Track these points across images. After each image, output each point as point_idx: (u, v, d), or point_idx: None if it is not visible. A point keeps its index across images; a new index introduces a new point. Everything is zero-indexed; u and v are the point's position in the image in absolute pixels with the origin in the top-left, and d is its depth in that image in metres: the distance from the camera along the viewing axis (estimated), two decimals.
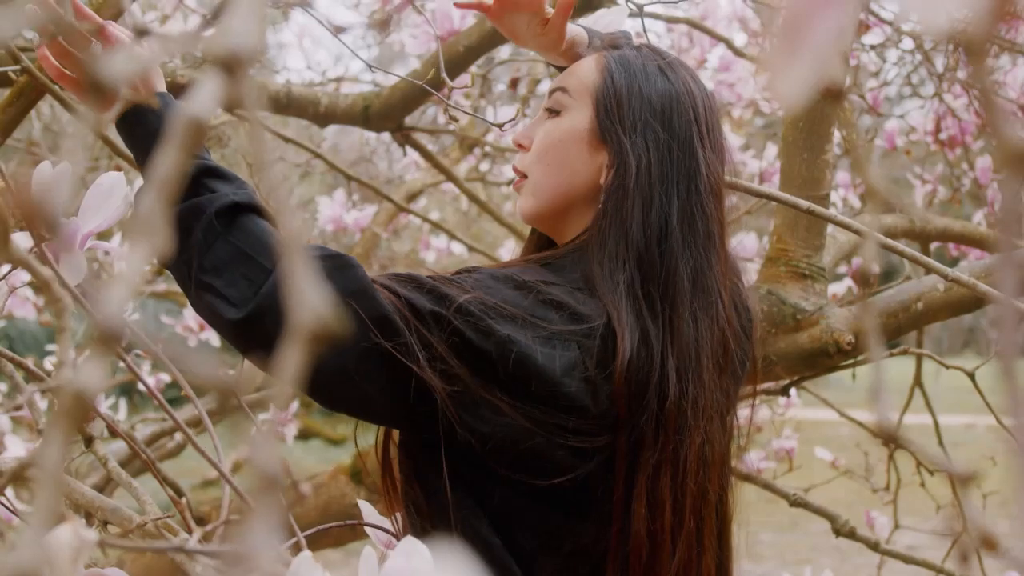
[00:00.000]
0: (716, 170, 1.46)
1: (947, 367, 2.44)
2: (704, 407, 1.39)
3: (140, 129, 1.43)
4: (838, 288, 3.95)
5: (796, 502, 2.43)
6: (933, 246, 3.31)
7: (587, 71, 1.51)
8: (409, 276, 1.33)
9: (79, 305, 1.02)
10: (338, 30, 1.59)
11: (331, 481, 3.22)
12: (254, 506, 0.35)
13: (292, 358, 0.36)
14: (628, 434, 1.33)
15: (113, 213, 1.39)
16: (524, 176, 1.53)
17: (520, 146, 1.55)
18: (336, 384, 1.28)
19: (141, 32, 0.61)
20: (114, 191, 1.39)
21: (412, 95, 2.97)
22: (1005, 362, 0.35)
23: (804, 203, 1.58)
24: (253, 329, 1.26)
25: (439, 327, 1.28)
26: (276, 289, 1.25)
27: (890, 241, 1.47)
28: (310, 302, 0.36)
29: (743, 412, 1.69)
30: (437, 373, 1.27)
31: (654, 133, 1.45)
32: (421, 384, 1.27)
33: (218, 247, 1.30)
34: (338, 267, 1.27)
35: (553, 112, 1.52)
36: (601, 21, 1.77)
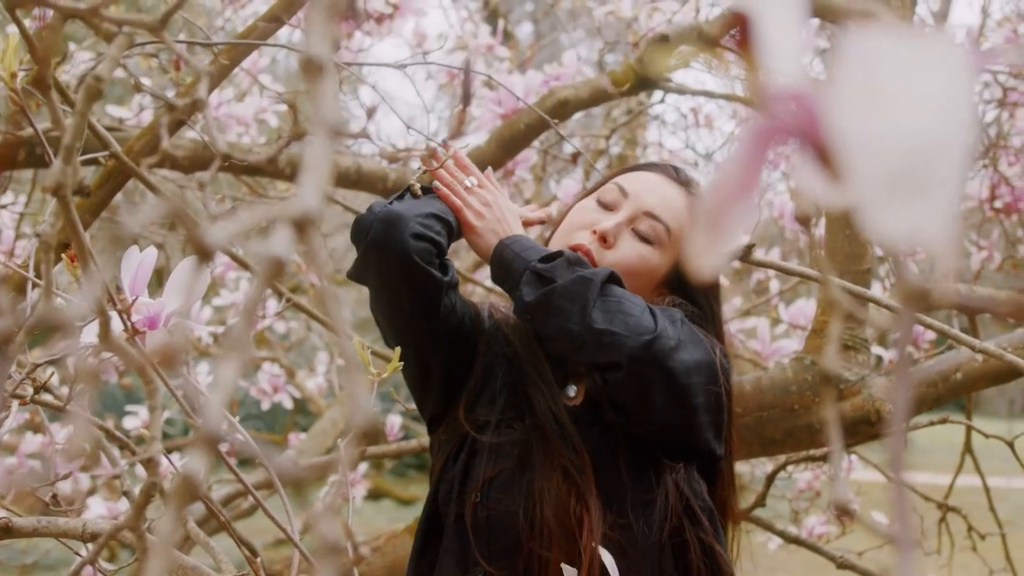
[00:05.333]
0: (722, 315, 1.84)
1: (987, 436, 2.51)
2: None
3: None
4: (892, 354, 4.00)
5: (843, 564, 2.50)
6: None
7: (681, 215, 1.77)
8: None
9: (167, 387, 1.14)
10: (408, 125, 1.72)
11: (392, 541, 3.33)
12: (319, 569, 0.46)
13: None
14: None
15: (195, 294, 1.52)
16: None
17: (604, 239, 1.71)
18: None
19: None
20: (196, 274, 1.51)
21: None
22: None
23: (837, 280, 1.67)
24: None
25: None
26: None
27: (876, 296, 1.56)
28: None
29: (803, 477, 1.90)
30: None
31: (705, 295, 1.78)
32: None
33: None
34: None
35: (645, 238, 1.74)
36: None
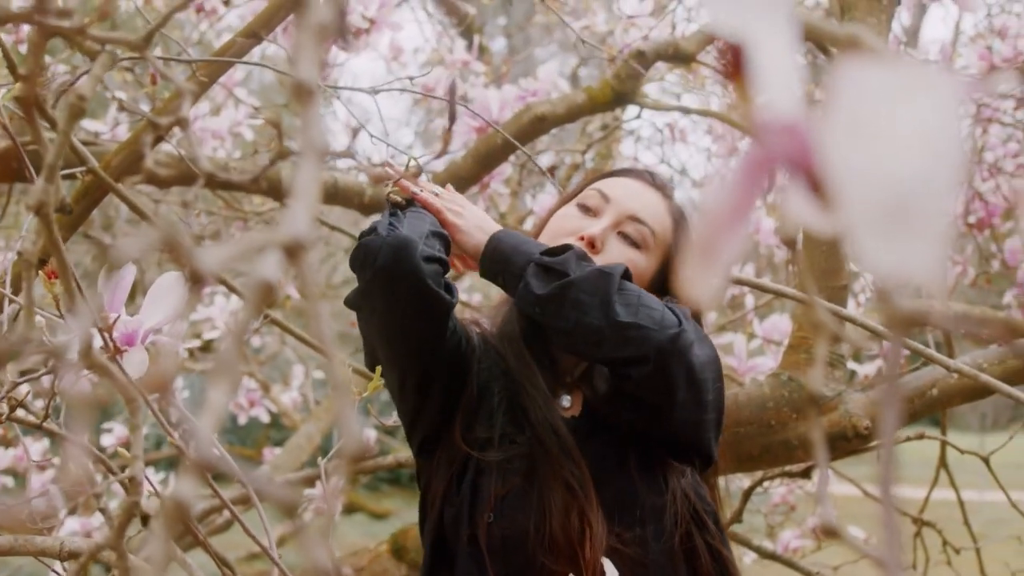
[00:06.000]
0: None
1: (962, 452, 2.53)
2: None
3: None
4: (869, 369, 4.02)
5: None
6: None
7: (664, 221, 1.78)
8: None
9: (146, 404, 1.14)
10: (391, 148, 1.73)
11: (374, 561, 3.31)
12: None
13: None
14: None
15: (173, 311, 1.51)
16: None
17: (592, 244, 1.71)
18: None
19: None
20: (173, 290, 1.50)
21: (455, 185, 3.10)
22: None
23: (823, 303, 1.69)
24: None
25: None
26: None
27: (862, 319, 1.57)
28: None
29: (777, 491, 1.91)
30: None
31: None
32: None
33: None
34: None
35: (632, 242, 1.75)
36: None
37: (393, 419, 1.88)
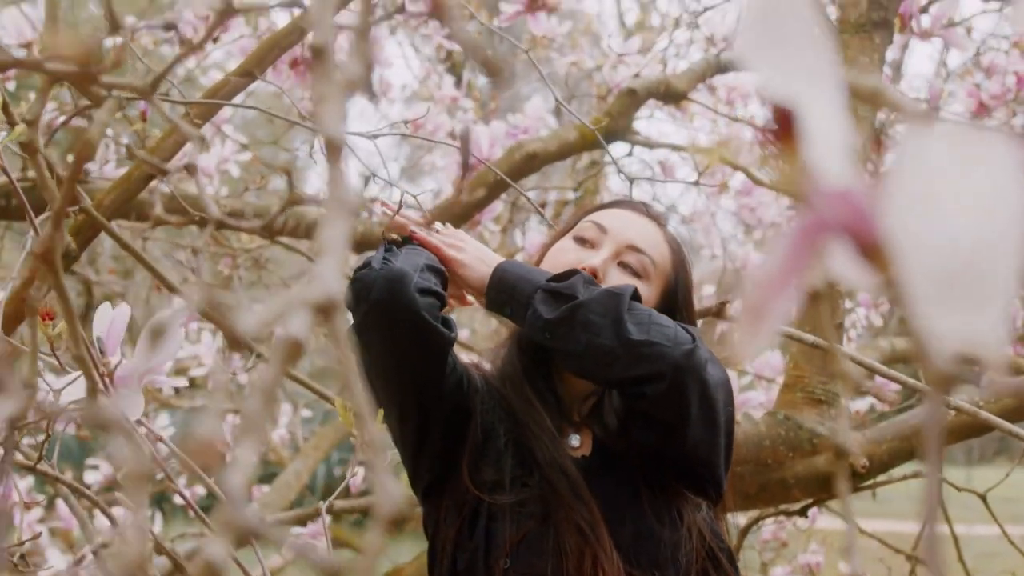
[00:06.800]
0: None
1: (959, 489, 2.52)
2: None
3: None
4: (861, 404, 4.02)
5: None
6: None
7: (662, 250, 1.77)
8: None
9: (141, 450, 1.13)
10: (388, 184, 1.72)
11: None
12: None
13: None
14: None
15: (168, 352, 1.50)
16: None
17: (594, 275, 1.69)
18: None
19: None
20: (169, 331, 1.49)
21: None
22: None
23: (809, 337, 1.69)
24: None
25: None
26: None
27: (884, 368, 1.57)
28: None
29: (768, 528, 1.86)
30: None
31: (689, 320, 1.77)
32: None
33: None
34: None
35: (635, 272, 1.74)
36: None
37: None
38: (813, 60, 0.39)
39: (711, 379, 1.53)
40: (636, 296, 1.59)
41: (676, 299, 1.75)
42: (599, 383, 1.70)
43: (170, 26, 0.74)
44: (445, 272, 1.67)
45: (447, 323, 1.63)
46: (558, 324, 1.56)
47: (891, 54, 5.11)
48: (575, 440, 1.71)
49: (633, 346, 1.51)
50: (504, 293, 1.65)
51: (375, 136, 1.95)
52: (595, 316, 1.53)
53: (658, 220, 1.82)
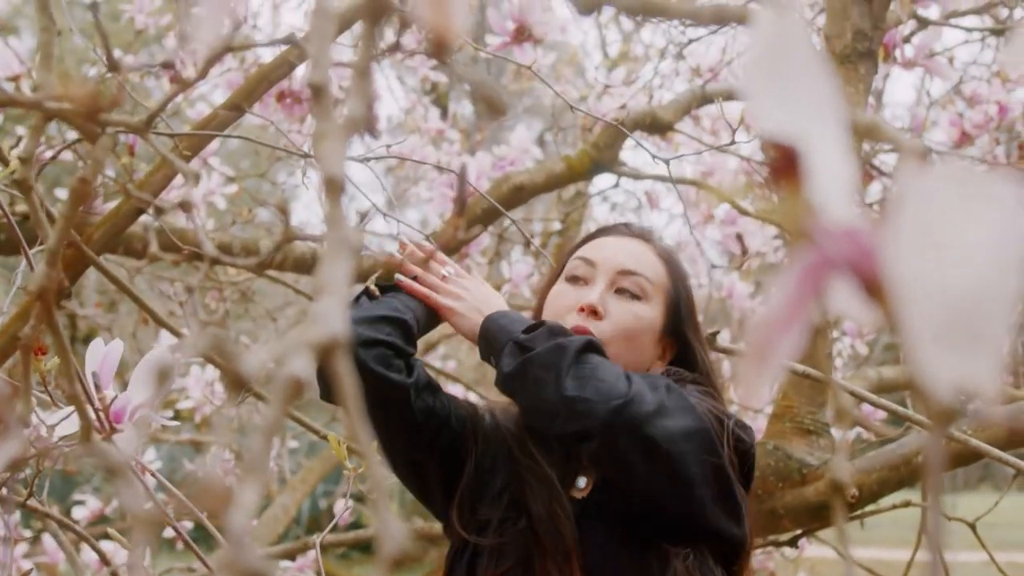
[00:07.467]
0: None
1: (949, 519, 2.53)
2: None
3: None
4: (848, 434, 4.02)
5: None
6: None
7: (656, 266, 1.76)
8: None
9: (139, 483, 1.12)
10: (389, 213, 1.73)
11: None
12: None
13: None
14: None
15: (161, 388, 1.49)
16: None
17: (594, 312, 1.68)
18: None
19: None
20: (173, 371, 1.49)
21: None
22: None
23: (800, 367, 1.69)
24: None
25: None
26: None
27: (878, 399, 1.57)
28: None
29: (756, 559, 1.82)
30: None
31: (695, 329, 1.77)
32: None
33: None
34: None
35: (633, 295, 1.72)
36: None
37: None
38: (817, 97, 0.40)
39: (661, 432, 1.45)
40: (591, 346, 1.56)
41: (680, 311, 1.74)
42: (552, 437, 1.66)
43: (168, 64, 0.75)
44: (409, 321, 1.67)
45: (408, 368, 1.63)
46: (512, 378, 1.57)
47: (873, 83, 5.14)
48: (582, 482, 1.67)
49: (568, 402, 1.48)
50: (489, 344, 1.65)
51: (366, 159, 1.95)
52: (540, 371, 1.52)
53: (644, 237, 1.80)
